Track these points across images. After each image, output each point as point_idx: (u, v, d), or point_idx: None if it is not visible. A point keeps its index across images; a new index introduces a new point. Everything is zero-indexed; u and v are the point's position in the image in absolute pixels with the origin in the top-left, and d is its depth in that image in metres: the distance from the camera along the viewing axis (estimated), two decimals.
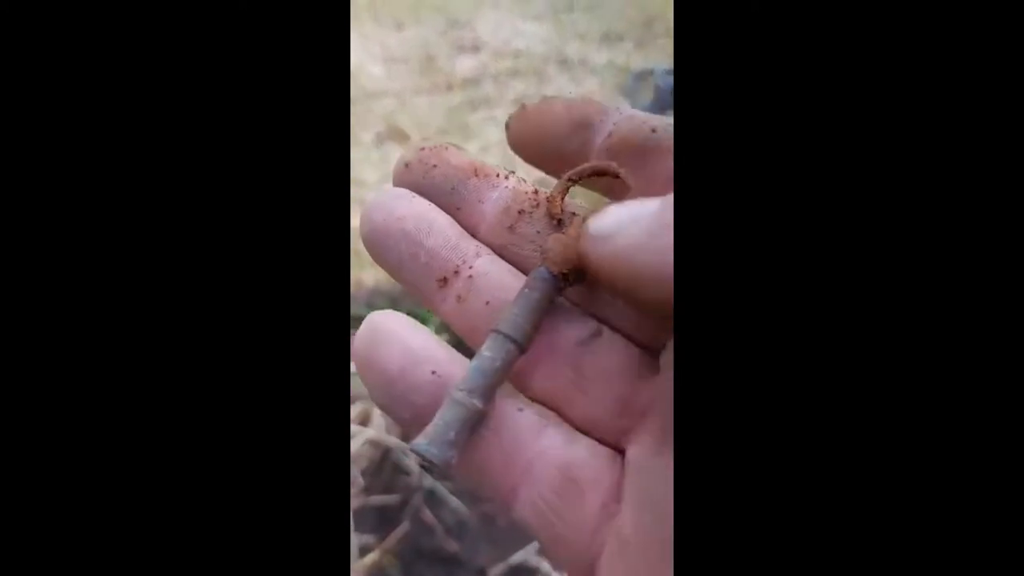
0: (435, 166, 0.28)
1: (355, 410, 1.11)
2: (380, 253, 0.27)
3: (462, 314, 0.26)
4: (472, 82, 2.34)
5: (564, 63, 2.44)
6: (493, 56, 2.55)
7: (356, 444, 1.06)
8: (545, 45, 2.61)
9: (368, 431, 1.07)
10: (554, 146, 0.26)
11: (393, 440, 1.06)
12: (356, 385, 1.15)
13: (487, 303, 0.26)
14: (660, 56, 2.39)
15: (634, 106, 1.90)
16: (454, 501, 0.99)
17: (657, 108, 2.04)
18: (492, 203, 0.27)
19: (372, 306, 1.30)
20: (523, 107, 0.27)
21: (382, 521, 0.97)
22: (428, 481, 1.00)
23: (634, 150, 0.25)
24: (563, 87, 2.24)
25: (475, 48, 2.65)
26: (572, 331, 0.26)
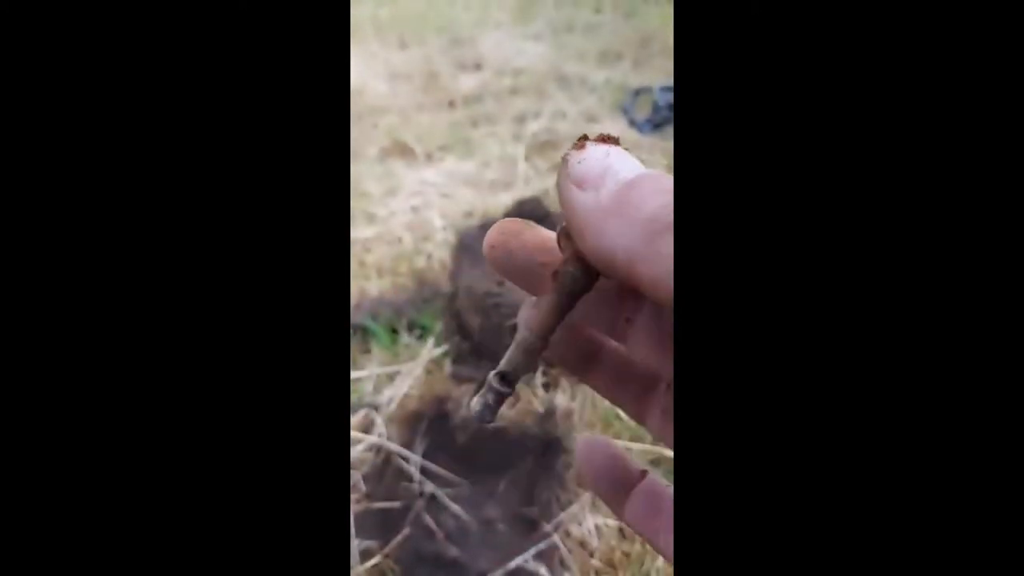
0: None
1: (356, 417, 1.12)
2: None
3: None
4: (474, 99, 2.38)
5: (563, 81, 2.48)
6: (494, 74, 2.59)
7: (358, 450, 1.07)
8: (545, 63, 2.65)
9: (370, 437, 1.09)
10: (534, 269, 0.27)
11: (394, 446, 1.07)
12: (357, 392, 1.17)
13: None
14: (657, 74, 2.43)
15: (632, 122, 1.90)
16: (455, 507, 1.00)
17: (655, 124, 2.07)
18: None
19: (376, 316, 1.31)
20: (494, 234, 0.27)
21: (383, 526, 0.99)
22: (429, 487, 1.02)
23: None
24: (563, 104, 2.27)
25: (477, 66, 2.69)
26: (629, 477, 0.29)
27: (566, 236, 0.25)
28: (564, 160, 0.24)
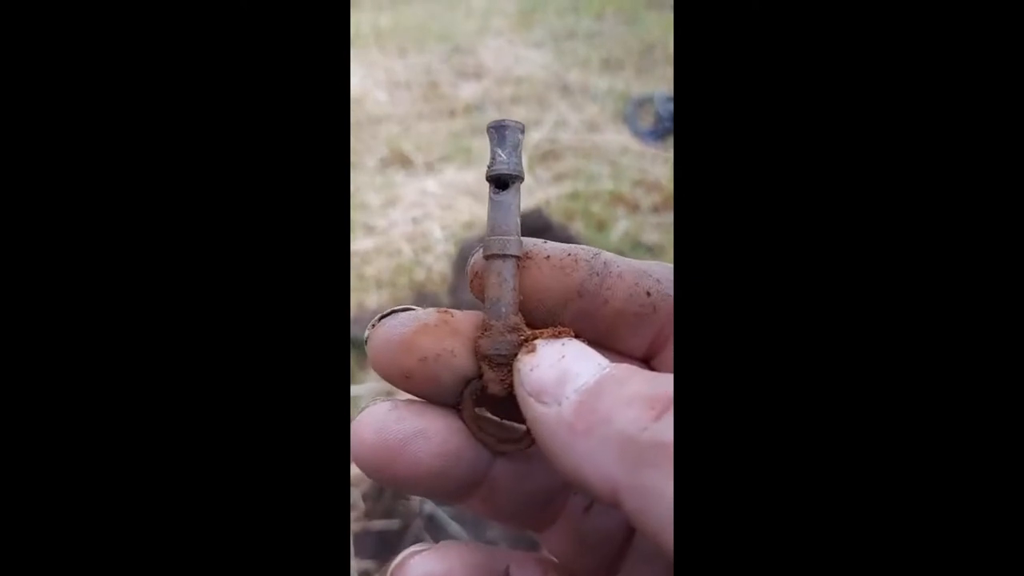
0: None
1: None
2: None
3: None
4: (474, 108, 2.37)
5: (565, 89, 2.47)
6: (495, 82, 2.58)
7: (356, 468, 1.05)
8: (546, 72, 2.64)
9: None
10: (551, 320, 0.25)
11: None
12: (356, 409, 1.14)
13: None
14: (659, 83, 2.42)
15: (634, 131, 1.89)
16: (454, 526, 0.98)
17: (657, 134, 2.06)
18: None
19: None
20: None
21: (382, 546, 0.96)
22: (428, 506, 1.00)
23: (630, 317, 0.24)
24: (564, 113, 2.26)
25: (477, 75, 2.69)
26: (578, 499, 0.26)
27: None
28: (516, 368, 0.22)
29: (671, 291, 0.23)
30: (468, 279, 0.25)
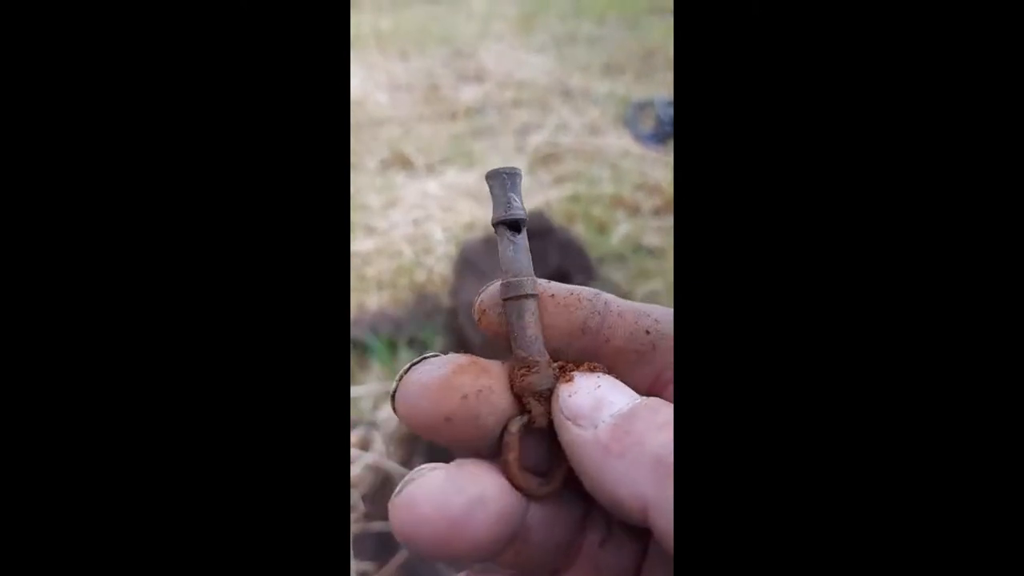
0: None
1: (355, 435, 1.10)
2: None
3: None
4: (475, 111, 2.37)
5: (566, 93, 2.48)
6: (496, 86, 2.59)
7: (356, 469, 1.05)
8: (547, 76, 2.65)
9: (368, 456, 1.07)
10: (556, 358, 0.25)
11: (393, 465, 1.05)
12: (356, 410, 1.14)
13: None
14: (659, 88, 2.43)
15: (635, 135, 1.89)
16: None
17: (658, 138, 2.06)
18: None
19: (376, 331, 1.30)
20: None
21: (381, 548, 0.96)
22: None
23: (631, 355, 0.25)
24: (565, 116, 2.27)
25: (479, 78, 2.69)
26: (593, 535, 0.26)
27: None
28: (555, 395, 0.24)
29: (670, 332, 0.24)
30: (476, 317, 0.26)
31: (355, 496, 1.01)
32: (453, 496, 0.22)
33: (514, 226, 0.26)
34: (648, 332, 0.24)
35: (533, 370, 0.24)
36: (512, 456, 0.24)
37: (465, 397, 0.23)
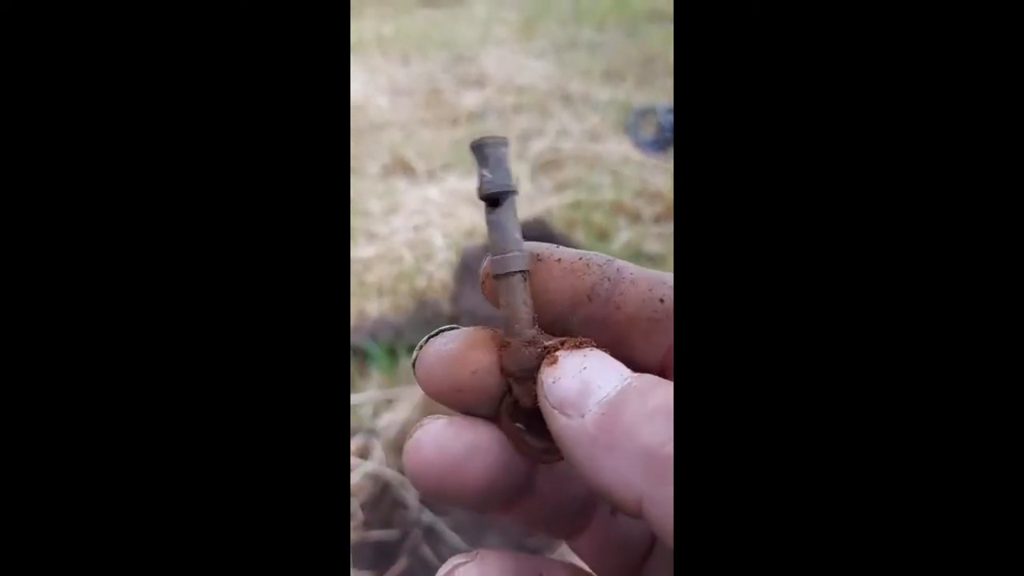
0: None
1: (355, 443, 1.10)
2: None
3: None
4: (476, 116, 2.37)
5: (567, 99, 2.48)
6: (497, 91, 2.59)
7: (356, 477, 1.05)
8: (548, 81, 2.65)
9: (367, 464, 1.06)
10: (560, 325, 0.25)
11: (392, 473, 1.05)
12: (356, 418, 1.14)
13: None
14: (660, 94, 2.43)
15: (636, 141, 1.90)
16: (453, 537, 0.97)
17: (659, 145, 2.06)
18: None
19: (376, 337, 1.29)
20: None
21: (380, 556, 0.96)
22: (427, 517, 0.99)
23: (643, 323, 0.24)
24: (566, 123, 2.27)
25: (480, 83, 2.70)
26: (605, 505, 0.26)
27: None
28: (539, 380, 0.23)
29: None
30: (480, 281, 0.26)
31: (354, 504, 1.01)
32: (451, 442, 0.23)
33: (489, 200, 0.24)
34: (663, 300, 0.23)
35: (504, 350, 0.24)
36: (505, 428, 0.24)
37: (475, 372, 0.24)
